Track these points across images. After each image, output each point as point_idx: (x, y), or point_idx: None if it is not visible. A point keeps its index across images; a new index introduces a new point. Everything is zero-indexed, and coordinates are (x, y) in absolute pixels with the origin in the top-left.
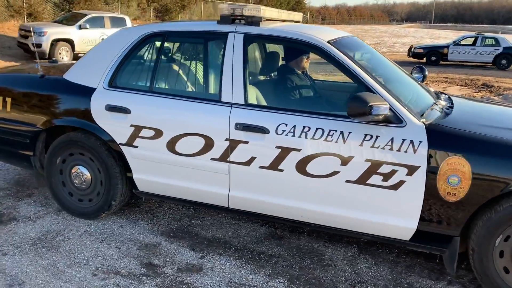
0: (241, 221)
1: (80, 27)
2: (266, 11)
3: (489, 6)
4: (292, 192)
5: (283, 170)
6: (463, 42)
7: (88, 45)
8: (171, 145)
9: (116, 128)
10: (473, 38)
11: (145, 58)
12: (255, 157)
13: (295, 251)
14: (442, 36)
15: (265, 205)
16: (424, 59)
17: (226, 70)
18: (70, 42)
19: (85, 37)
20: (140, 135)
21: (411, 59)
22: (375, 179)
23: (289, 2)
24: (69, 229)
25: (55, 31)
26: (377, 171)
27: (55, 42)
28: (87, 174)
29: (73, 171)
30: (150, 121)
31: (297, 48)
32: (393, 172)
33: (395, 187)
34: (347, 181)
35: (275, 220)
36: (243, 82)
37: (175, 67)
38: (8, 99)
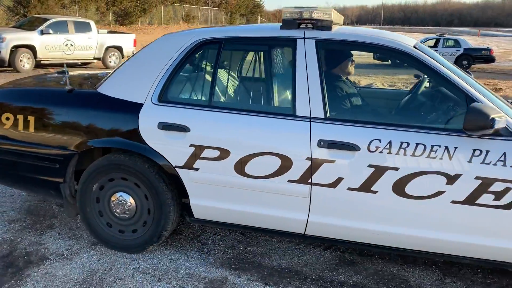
0: (301, 246)
1: (42, 33)
2: (334, 14)
3: (433, 9)
4: (386, 216)
5: (377, 191)
6: (426, 44)
7: (52, 51)
8: (240, 167)
9: (171, 149)
10: (434, 40)
11: (199, 68)
12: (342, 178)
13: (376, 277)
14: None
15: (350, 230)
16: (389, 61)
17: (300, 80)
18: (31, 48)
19: (48, 43)
20: (202, 156)
21: (377, 62)
22: (486, 198)
23: (247, 5)
24: (116, 266)
25: (14, 37)
26: (488, 190)
27: (15, 48)
28: (131, 202)
29: (113, 199)
30: (214, 140)
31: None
32: (507, 190)
33: (509, 206)
34: (453, 201)
35: (355, 246)
36: (321, 93)
37: (236, 78)
38: (31, 118)
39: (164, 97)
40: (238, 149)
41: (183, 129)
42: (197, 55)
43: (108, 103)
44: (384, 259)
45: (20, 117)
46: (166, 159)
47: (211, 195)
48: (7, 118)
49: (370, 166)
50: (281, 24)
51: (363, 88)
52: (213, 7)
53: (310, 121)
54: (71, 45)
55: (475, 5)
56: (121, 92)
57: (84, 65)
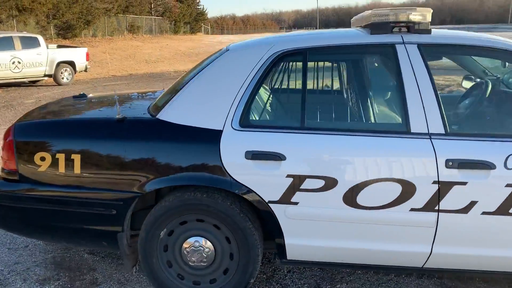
0: (391, 276)
1: None
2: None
3: (364, 10)
4: None
5: None
6: None
7: None
8: (350, 197)
9: (264, 182)
10: None
11: (282, 84)
12: (475, 202)
13: None
14: None
15: (482, 259)
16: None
17: (411, 91)
18: None
19: None
20: (302, 187)
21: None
22: None
23: (191, 13)
24: None
25: None
26: None
27: None
28: (209, 247)
29: (185, 245)
30: (317, 167)
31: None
32: None
33: None
34: None
35: (485, 274)
36: (437, 105)
37: (327, 93)
38: (76, 157)
39: (247, 121)
40: (347, 176)
41: (278, 157)
42: (278, 69)
43: (176, 132)
44: (488, 282)
45: (61, 156)
46: (257, 194)
47: (312, 232)
48: (42, 159)
49: (508, 185)
50: (369, 29)
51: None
52: (157, 16)
53: (430, 138)
54: (19, 62)
55: (403, 6)
56: (191, 119)
57: (33, 83)
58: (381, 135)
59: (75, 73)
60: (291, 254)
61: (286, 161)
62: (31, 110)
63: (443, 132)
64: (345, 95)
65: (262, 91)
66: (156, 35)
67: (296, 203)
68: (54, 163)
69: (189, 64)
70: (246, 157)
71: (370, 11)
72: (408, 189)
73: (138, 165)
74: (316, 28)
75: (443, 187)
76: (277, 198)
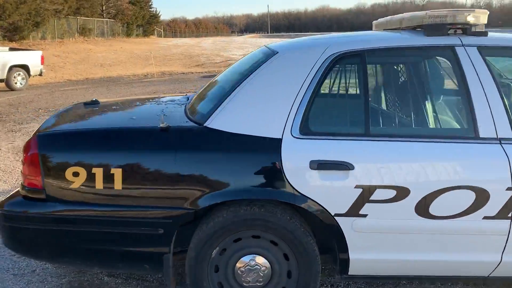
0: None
1: None
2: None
3: (314, 15)
4: None
5: None
6: None
7: None
8: (422, 207)
9: (330, 193)
10: None
11: (340, 88)
12: None
13: None
14: None
15: None
16: None
17: (476, 95)
18: None
19: None
20: (372, 198)
21: None
22: None
23: (144, 16)
24: None
25: None
26: None
27: None
28: (265, 265)
29: (239, 265)
30: (387, 177)
31: None
32: None
33: None
34: None
35: None
36: (504, 108)
37: (387, 97)
38: (117, 171)
39: (307, 128)
40: (420, 185)
41: (346, 166)
42: (335, 73)
43: (231, 141)
44: None
45: (98, 171)
46: (322, 207)
47: (380, 245)
48: (75, 174)
49: None
50: (422, 31)
51: None
52: (109, 18)
53: (500, 143)
54: None
55: (349, 11)
56: (245, 126)
57: None
58: (450, 141)
59: (28, 77)
60: (354, 269)
61: (355, 171)
62: (47, 120)
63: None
64: (407, 99)
65: (320, 96)
66: (108, 38)
67: (364, 216)
68: (90, 178)
69: (147, 68)
70: (311, 167)
71: (420, 13)
72: (481, 197)
73: (189, 179)
74: (268, 33)
75: None
76: (344, 211)
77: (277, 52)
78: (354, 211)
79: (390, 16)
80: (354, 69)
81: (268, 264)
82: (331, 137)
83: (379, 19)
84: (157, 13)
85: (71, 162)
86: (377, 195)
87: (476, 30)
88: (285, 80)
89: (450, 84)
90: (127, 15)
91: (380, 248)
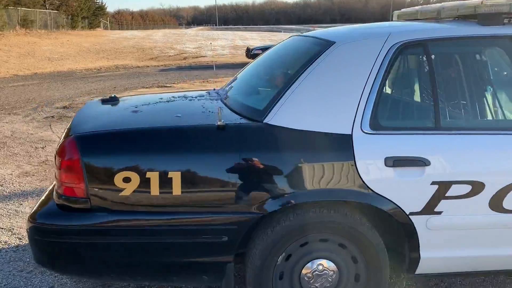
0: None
1: None
2: None
3: (262, 8)
4: None
5: None
6: None
7: None
8: (496, 201)
9: (406, 191)
10: None
11: (405, 79)
12: None
13: None
14: (248, 37)
15: None
16: None
17: None
18: None
19: None
20: (448, 195)
21: (251, 60)
22: None
23: (90, 7)
24: None
25: None
26: None
27: None
28: (333, 270)
29: (305, 271)
30: (463, 172)
31: None
32: None
33: None
34: None
35: None
36: None
37: (454, 89)
38: (175, 175)
39: (377, 123)
40: (494, 179)
41: (422, 162)
42: (399, 63)
43: (296, 138)
44: None
45: (153, 175)
46: (397, 205)
47: (453, 243)
48: (126, 180)
49: None
50: (476, 20)
51: None
52: (52, 10)
53: None
54: None
55: (296, 4)
56: (309, 122)
57: None
58: None
59: None
60: (422, 268)
61: (430, 167)
62: (75, 121)
63: None
64: (475, 91)
65: (388, 89)
66: (52, 31)
67: (439, 213)
68: (144, 184)
69: (99, 61)
70: (387, 165)
71: (473, 2)
72: None
73: (255, 181)
74: (216, 25)
75: None
76: (419, 209)
77: (334, 42)
78: (429, 208)
79: (419, 6)
80: (418, 59)
81: (336, 268)
82: (403, 132)
83: (402, 9)
84: (103, 4)
85: (121, 166)
86: (453, 191)
87: None
88: (349, 72)
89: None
90: (72, 6)
91: (452, 245)
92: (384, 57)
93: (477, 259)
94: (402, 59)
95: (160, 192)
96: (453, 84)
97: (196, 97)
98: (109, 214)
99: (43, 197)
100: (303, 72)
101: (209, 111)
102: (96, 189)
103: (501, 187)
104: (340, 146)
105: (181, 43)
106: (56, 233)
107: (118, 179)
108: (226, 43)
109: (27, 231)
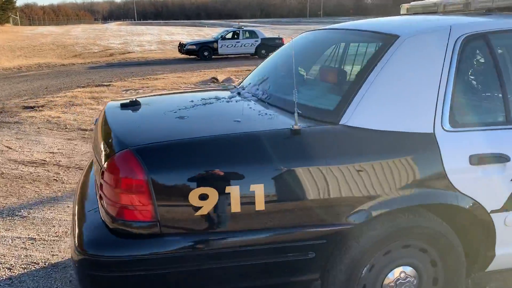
0: None
1: None
2: None
3: (182, 3)
4: None
5: None
6: (228, 36)
7: None
8: None
9: (488, 188)
10: (232, 32)
11: (472, 73)
12: None
13: None
14: (174, 32)
15: None
16: (197, 54)
17: None
18: None
19: None
20: None
21: (186, 56)
22: None
23: None
24: None
25: None
26: None
27: None
28: (414, 276)
29: (387, 281)
30: None
31: None
32: None
33: None
34: None
35: None
36: None
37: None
38: (257, 188)
39: (455, 120)
40: None
41: (504, 159)
42: (466, 57)
43: (377, 140)
44: None
45: (234, 190)
46: (480, 204)
47: None
48: (203, 197)
49: None
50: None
51: None
52: None
53: None
54: None
55: (217, 0)
56: (389, 122)
57: None
58: None
59: None
60: (495, 265)
61: (511, 162)
62: (116, 133)
63: None
64: None
65: (460, 83)
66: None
67: None
68: (224, 201)
69: (16, 60)
70: (472, 163)
71: None
72: None
73: (342, 189)
74: (135, 20)
75: None
76: (499, 206)
77: (398, 36)
78: (508, 205)
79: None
80: (482, 52)
81: (416, 274)
82: (482, 128)
83: (412, 3)
84: None
85: (197, 182)
86: None
87: None
88: (421, 66)
89: None
90: None
91: None
92: (453, 50)
93: None
94: (468, 52)
95: (241, 209)
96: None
97: (226, 98)
98: (183, 238)
99: (76, 219)
100: (373, 69)
101: (265, 114)
102: (167, 211)
103: None
104: (426, 146)
105: (104, 39)
106: (120, 266)
107: (193, 196)
108: (152, 38)
109: (75, 265)
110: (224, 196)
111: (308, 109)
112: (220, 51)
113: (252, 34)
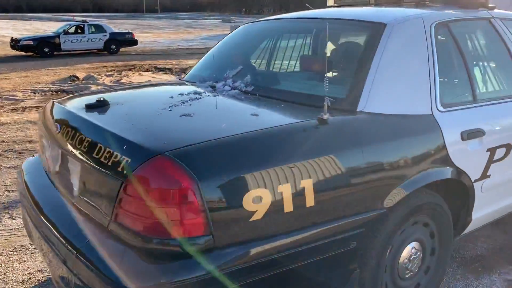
0: None
1: None
2: None
3: None
4: None
5: None
6: (71, 31)
7: None
8: None
9: (471, 160)
10: (75, 27)
11: (444, 56)
12: None
13: None
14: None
15: None
16: (35, 51)
17: None
18: None
19: None
20: (494, 159)
21: (19, 53)
22: None
23: None
24: None
25: None
26: None
27: None
28: (420, 249)
29: (401, 259)
30: (503, 137)
31: None
32: None
33: None
34: None
35: None
36: None
37: (481, 63)
38: (307, 184)
39: (444, 101)
40: None
41: (481, 133)
42: (439, 43)
43: (395, 124)
44: None
45: (285, 188)
46: (467, 175)
47: (491, 200)
48: (257, 200)
49: None
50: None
51: None
52: None
53: None
54: None
55: None
56: (400, 106)
57: None
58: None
59: None
60: (469, 228)
61: (486, 136)
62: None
63: None
64: (495, 63)
65: (440, 67)
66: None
67: (489, 176)
68: (277, 201)
69: None
70: (462, 139)
71: None
72: None
73: (375, 175)
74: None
75: None
76: (479, 175)
77: (386, 24)
78: (484, 174)
79: None
80: (447, 38)
81: (421, 248)
82: (463, 107)
83: None
84: None
85: (249, 184)
86: (497, 155)
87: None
88: (412, 52)
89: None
90: None
91: (492, 202)
92: (431, 37)
93: (506, 207)
94: (439, 39)
95: (294, 208)
96: (479, 59)
97: (207, 92)
98: (237, 247)
99: (72, 259)
100: (374, 56)
101: (271, 106)
102: (221, 220)
103: None
104: (431, 127)
105: None
106: None
107: (247, 201)
108: None
109: None
110: (277, 196)
111: (316, 98)
112: (63, 47)
113: (99, 28)
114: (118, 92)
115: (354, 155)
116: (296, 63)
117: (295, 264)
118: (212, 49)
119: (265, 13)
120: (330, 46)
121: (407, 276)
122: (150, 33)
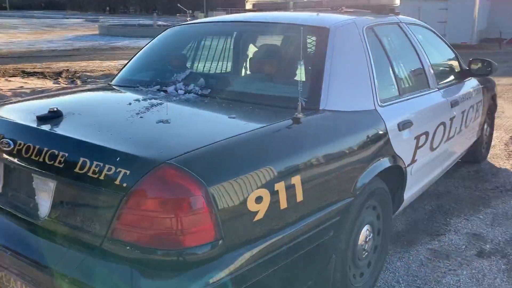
0: None
1: None
2: None
3: None
4: None
5: None
6: None
7: None
8: (431, 143)
9: (405, 148)
10: None
11: (377, 56)
12: None
13: None
14: None
15: None
16: None
17: (422, 57)
18: None
19: None
20: (419, 145)
21: None
22: None
23: None
24: None
25: None
26: None
27: None
28: (371, 231)
29: (360, 242)
30: (423, 126)
31: None
32: None
33: None
34: None
35: None
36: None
37: (398, 62)
38: (296, 180)
39: (381, 97)
40: (432, 127)
41: (410, 123)
42: (371, 45)
43: (353, 120)
44: None
45: (280, 186)
46: (403, 161)
47: (415, 180)
48: (259, 200)
49: None
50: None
51: None
52: None
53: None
54: None
55: None
56: (351, 103)
57: None
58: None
59: None
60: (401, 207)
61: (414, 126)
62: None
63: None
64: (414, 62)
65: (374, 65)
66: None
67: (416, 160)
68: (275, 199)
69: None
70: (399, 129)
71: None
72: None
73: (345, 166)
74: None
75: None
76: (410, 161)
77: (328, 28)
78: (413, 158)
79: None
80: (373, 40)
81: (371, 229)
82: (394, 101)
83: None
84: None
85: (251, 185)
86: (420, 141)
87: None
88: (355, 53)
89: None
90: None
91: (417, 182)
92: (364, 39)
93: (424, 186)
94: (369, 41)
95: (287, 204)
96: (398, 59)
97: (161, 98)
98: (243, 249)
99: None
100: (325, 57)
101: (239, 108)
102: (229, 224)
103: (433, 131)
104: (377, 121)
105: None
106: None
107: (251, 202)
108: None
109: None
110: (275, 194)
111: (275, 99)
112: None
113: None
114: (54, 98)
115: (329, 148)
116: (245, 65)
117: (292, 256)
118: (141, 52)
119: (131, 13)
120: (282, 48)
121: (364, 256)
122: (3, 33)
